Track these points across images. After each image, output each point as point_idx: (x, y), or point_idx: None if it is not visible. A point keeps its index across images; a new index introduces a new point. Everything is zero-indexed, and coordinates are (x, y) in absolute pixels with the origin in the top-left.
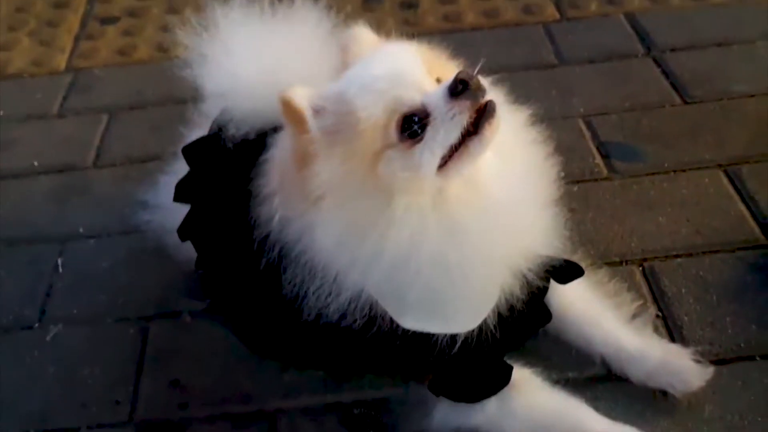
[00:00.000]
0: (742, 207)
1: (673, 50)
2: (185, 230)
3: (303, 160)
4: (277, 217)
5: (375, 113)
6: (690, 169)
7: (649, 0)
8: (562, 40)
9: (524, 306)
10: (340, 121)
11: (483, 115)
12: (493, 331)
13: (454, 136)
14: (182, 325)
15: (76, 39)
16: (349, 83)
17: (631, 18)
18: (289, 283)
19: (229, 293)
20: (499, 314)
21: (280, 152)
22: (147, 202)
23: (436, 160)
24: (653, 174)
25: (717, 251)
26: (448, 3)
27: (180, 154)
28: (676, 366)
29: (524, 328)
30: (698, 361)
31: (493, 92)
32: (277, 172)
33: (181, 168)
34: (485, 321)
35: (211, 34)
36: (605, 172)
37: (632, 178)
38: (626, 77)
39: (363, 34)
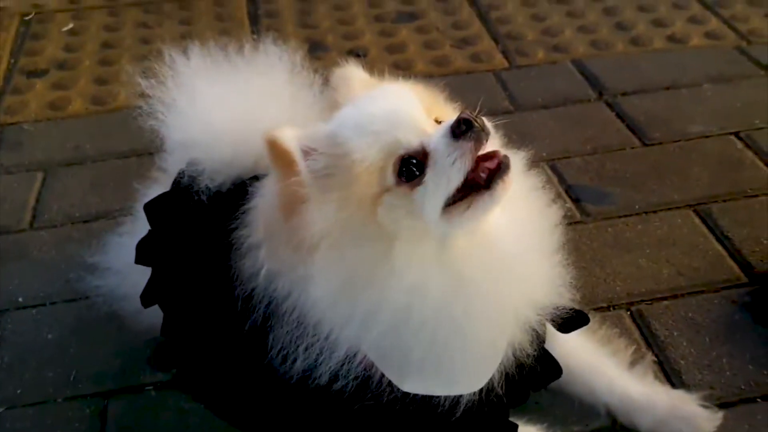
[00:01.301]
0: (718, 246)
1: (624, 94)
2: (150, 295)
3: (292, 206)
4: (263, 271)
5: (371, 155)
6: (661, 210)
7: (593, 47)
8: (515, 87)
9: (533, 361)
10: (333, 164)
11: (497, 171)
12: (500, 389)
13: (456, 179)
14: (146, 399)
15: (0, 94)
16: (342, 124)
17: (578, 64)
18: (277, 343)
19: (203, 360)
20: (507, 373)
21: (264, 200)
22: (95, 266)
23: (439, 204)
24: (626, 216)
25: (702, 291)
26: (397, 52)
27: (132, 213)
28: (686, 412)
29: (532, 383)
30: (706, 407)
31: (497, 136)
32: (262, 220)
33: (134, 228)
34: (491, 379)
35: (173, 82)
36: (578, 215)
37: (606, 221)
38: (583, 121)
39: (354, 73)
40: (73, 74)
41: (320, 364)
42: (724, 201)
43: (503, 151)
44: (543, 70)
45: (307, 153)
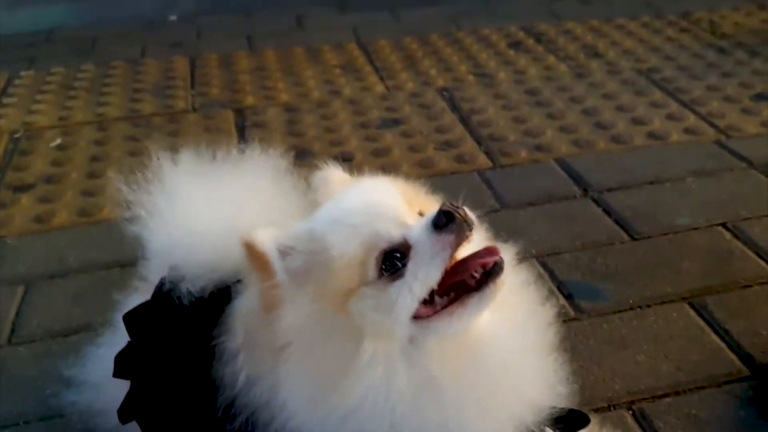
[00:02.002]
0: (716, 338)
1: (609, 190)
2: (128, 410)
3: (270, 309)
4: (242, 377)
5: (350, 250)
6: (655, 304)
7: (575, 146)
8: (500, 186)
9: None
10: (310, 261)
11: (490, 273)
12: None
13: (436, 274)
14: None
15: None
16: (319, 220)
17: (561, 163)
18: None
19: None
20: None
21: (244, 303)
22: (72, 380)
23: (414, 303)
24: (620, 312)
25: (703, 387)
26: (383, 155)
27: (111, 324)
28: None
29: None
30: None
31: (481, 229)
32: (241, 325)
33: (114, 339)
34: None
35: (155, 189)
36: (572, 312)
37: (600, 317)
38: (570, 217)
39: (334, 174)
40: (60, 187)
41: None
42: (718, 293)
43: (499, 249)
44: (526, 169)
45: (284, 253)
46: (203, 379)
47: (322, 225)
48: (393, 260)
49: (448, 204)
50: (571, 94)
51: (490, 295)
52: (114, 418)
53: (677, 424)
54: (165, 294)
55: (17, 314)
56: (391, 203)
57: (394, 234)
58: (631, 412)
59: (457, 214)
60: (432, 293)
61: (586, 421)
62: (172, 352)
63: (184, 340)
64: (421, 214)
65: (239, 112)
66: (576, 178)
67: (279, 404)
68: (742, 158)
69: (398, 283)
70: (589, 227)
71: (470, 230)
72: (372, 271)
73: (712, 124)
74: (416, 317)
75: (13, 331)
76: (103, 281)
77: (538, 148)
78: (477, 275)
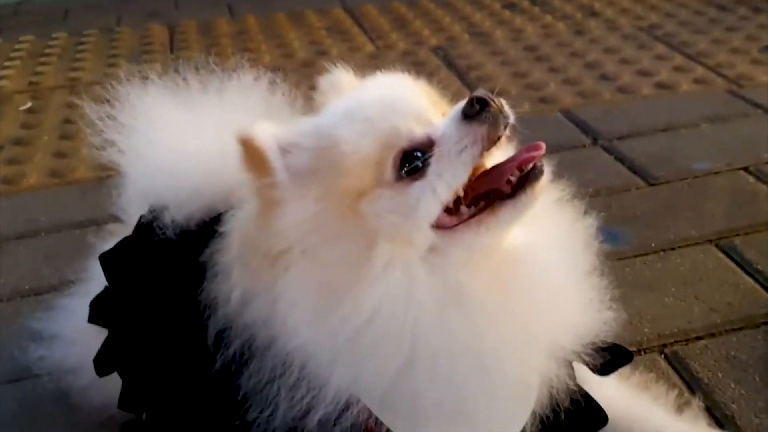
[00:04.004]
0: (749, 279)
1: (620, 138)
2: (105, 359)
3: (267, 214)
4: (236, 294)
5: (365, 147)
6: (680, 247)
7: (580, 97)
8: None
9: (571, 403)
10: (316, 158)
11: (527, 177)
12: None
13: (464, 172)
14: None
15: None
16: (329, 114)
17: (567, 114)
18: (253, 386)
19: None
20: (541, 417)
21: (241, 216)
22: (41, 333)
23: (437, 207)
24: (642, 255)
25: (741, 328)
26: None
27: (85, 274)
28: None
29: None
30: None
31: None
32: (236, 235)
33: (87, 289)
34: (524, 427)
35: (128, 116)
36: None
37: (621, 261)
38: (580, 166)
39: (344, 77)
40: (30, 149)
41: (307, 412)
42: (747, 234)
43: (543, 147)
44: (531, 121)
45: (286, 150)
46: (191, 311)
47: (332, 119)
48: (413, 160)
49: (482, 90)
50: (572, 50)
51: (527, 203)
52: (87, 375)
53: (715, 367)
54: (147, 227)
55: None
56: (414, 98)
57: (416, 131)
58: (663, 355)
59: (492, 103)
60: (458, 201)
61: (628, 358)
62: (155, 291)
63: (168, 276)
64: (446, 115)
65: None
66: (584, 127)
67: (278, 322)
68: (757, 105)
69: (419, 183)
70: (601, 175)
71: (506, 124)
72: (389, 172)
73: (721, 75)
74: (438, 226)
75: None
76: (76, 240)
77: (542, 100)
78: (513, 179)
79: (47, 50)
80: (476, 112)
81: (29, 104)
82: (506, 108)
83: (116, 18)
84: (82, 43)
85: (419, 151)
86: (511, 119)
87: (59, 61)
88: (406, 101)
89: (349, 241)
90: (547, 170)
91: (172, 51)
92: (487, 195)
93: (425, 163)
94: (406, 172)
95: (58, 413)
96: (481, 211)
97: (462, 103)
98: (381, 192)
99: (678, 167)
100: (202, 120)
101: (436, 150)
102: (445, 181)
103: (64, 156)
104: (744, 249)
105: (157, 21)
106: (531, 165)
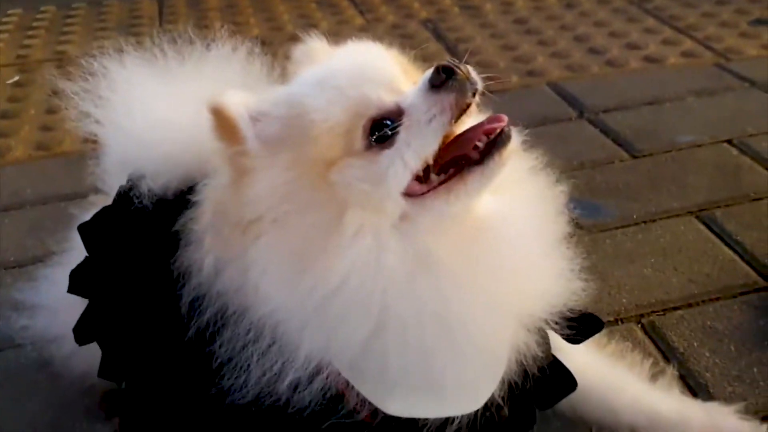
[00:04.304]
0: (728, 251)
1: (605, 111)
2: (85, 328)
3: (239, 182)
4: (209, 261)
5: (334, 115)
6: (661, 219)
7: (568, 70)
8: (490, 111)
9: (539, 370)
10: (287, 126)
11: (494, 142)
12: (502, 406)
13: (434, 141)
14: None
15: None
16: (300, 82)
17: (554, 87)
18: (226, 351)
19: (154, 402)
20: (509, 384)
21: (213, 185)
22: (23, 303)
23: (407, 175)
24: (623, 227)
25: (717, 298)
26: None
27: (67, 243)
28: (727, 427)
29: (541, 399)
30: (747, 420)
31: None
32: (208, 203)
33: (69, 258)
34: (492, 395)
35: (105, 88)
36: (571, 229)
37: (602, 233)
38: (565, 139)
39: (318, 46)
40: (17, 123)
41: (278, 377)
42: (727, 206)
43: (505, 117)
44: (518, 93)
45: (256, 119)
46: (166, 280)
47: (303, 88)
48: (383, 128)
49: (449, 59)
50: (562, 23)
51: (495, 169)
52: (69, 344)
53: (691, 336)
54: (125, 197)
55: None
56: (384, 66)
57: (385, 99)
58: (640, 325)
59: (458, 70)
60: (427, 169)
61: (599, 326)
62: (132, 261)
63: (144, 245)
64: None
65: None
66: (570, 100)
67: (251, 289)
68: (743, 78)
69: (389, 152)
70: (586, 147)
71: (474, 91)
72: (359, 141)
73: (710, 48)
74: (408, 194)
75: None
76: (62, 212)
77: (530, 73)
78: (480, 146)
79: (35, 23)
80: (443, 80)
81: (16, 78)
82: (473, 75)
83: None
84: (70, 16)
85: (389, 119)
86: (479, 86)
87: (47, 35)
88: (377, 70)
89: (319, 210)
90: (515, 136)
91: (160, 24)
92: (456, 162)
93: (394, 132)
94: (375, 140)
95: (40, 381)
96: (450, 178)
97: (429, 72)
98: (351, 161)
99: (662, 140)
100: (179, 90)
101: (405, 119)
102: (414, 149)
103: (50, 129)
104: (724, 221)
105: None
106: (498, 131)
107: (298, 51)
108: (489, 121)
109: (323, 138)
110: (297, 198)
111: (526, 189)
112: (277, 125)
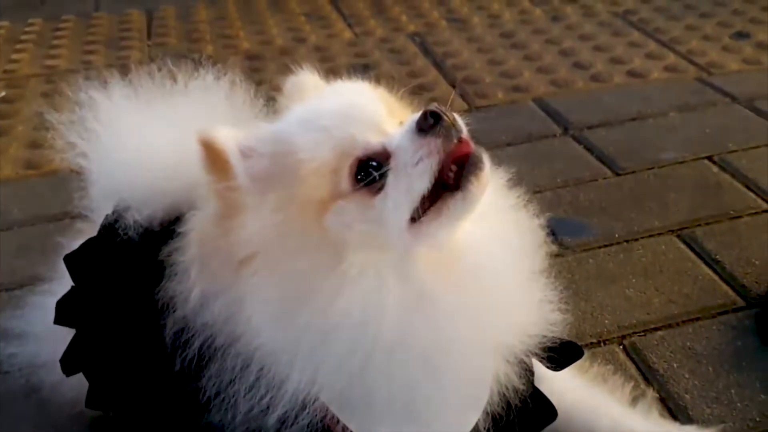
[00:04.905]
0: (708, 270)
1: (590, 127)
2: (72, 359)
3: (228, 215)
4: (195, 294)
5: (321, 155)
6: (642, 238)
7: (553, 86)
8: (476, 127)
9: (523, 400)
10: (275, 164)
11: (467, 167)
12: None
13: (422, 183)
14: None
15: None
16: (287, 121)
17: (539, 102)
18: (213, 386)
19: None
20: (493, 415)
21: (200, 217)
22: (10, 331)
23: (405, 214)
24: (606, 246)
25: (697, 319)
26: None
27: (55, 272)
28: None
29: (523, 428)
30: None
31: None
32: (195, 235)
33: (57, 287)
34: (476, 425)
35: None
36: (556, 249)
37: (586, 252)
38: (550, 156)
39: (309, 79)
40: (5, 140)
41: (266, 412)
42: (708, 224)
43: (473, 144)
44: (504, 109)
45: (246, 155)
46: (151, 312)
47: (290, 126)
48: (368, 169)
49: (435, 105)
50: (548, 36)
51: (475, 192)
52: (58, 371)
53: (671, 358)
54: (110, 228)
55: None
56: (371, 107)
57: (371, 140)
58: (622, 346)
59: (445, 116)
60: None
61: (579, 354)
62: (117, 292)
63: (130, 277)
64: (402, 125)
65: (198, 62)
66: (555, 117)
67: (240, 327)
68: (725, 93)
69: (381, 195)
70: (570, 165)
71: (459, 136)
72: (345, 181)
73: (692, 62)
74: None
75: None
76: (51, 233)
77: (516, 89)
78: (452, 174)
79: (23, 37)
80: (430, 125)
81: (3, 93)
82: (459, 122)
83: (94, 3)
84: (58, 29)
85: (374, 160)
86: (464, 133)
87: (35, 48)
88: (363, 110)
89: (312, 254)
90: (485, 157)
91: (149, 37)
92: (434, 191)
93: (383, 175)
94: (361, 182)
95: (29, 407)
96: (433, 203)
97: (416, 115)
98: (343, 204)
99: (645, 157)
100: (164, 120)
101: (392, 162)
102: (406, 192)
103: (39, 147)
104: (704, 240)
105: (135, 7)
106: (465, 154)
107: (289, 84)
108: (454, 149)
109: (310, 178)
110: (288, 243)
111: (508, 224)
112: (266, 162)
